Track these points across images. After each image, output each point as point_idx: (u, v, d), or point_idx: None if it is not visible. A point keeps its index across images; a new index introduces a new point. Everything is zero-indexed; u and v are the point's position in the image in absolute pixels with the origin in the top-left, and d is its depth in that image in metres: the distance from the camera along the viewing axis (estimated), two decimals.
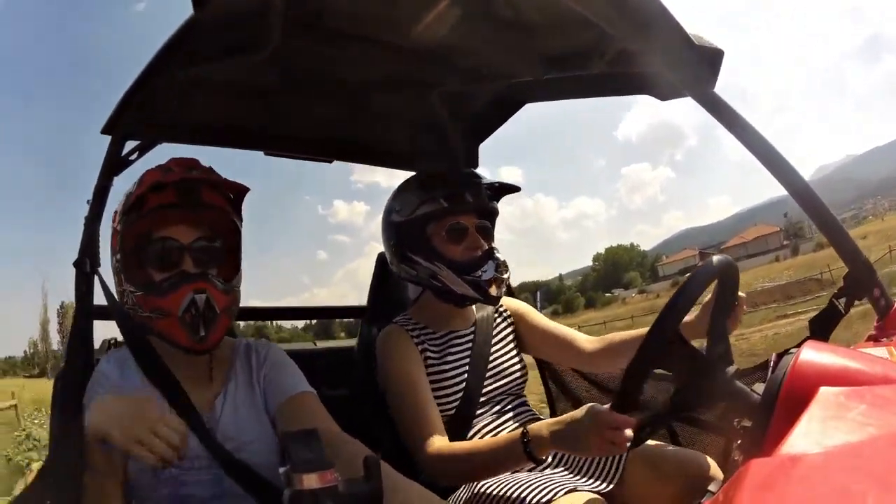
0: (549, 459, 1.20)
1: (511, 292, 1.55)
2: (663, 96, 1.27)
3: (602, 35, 1.15)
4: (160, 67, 0.99)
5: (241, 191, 1.06)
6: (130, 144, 1.18)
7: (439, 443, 1.13)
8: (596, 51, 1.21)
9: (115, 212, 1.02)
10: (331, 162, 1.62)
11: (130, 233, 0.98)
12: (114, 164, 1.16)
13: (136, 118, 1.13)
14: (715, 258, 0.89)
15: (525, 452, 0.98)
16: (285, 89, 1.39)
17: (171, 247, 0.98)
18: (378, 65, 1.36)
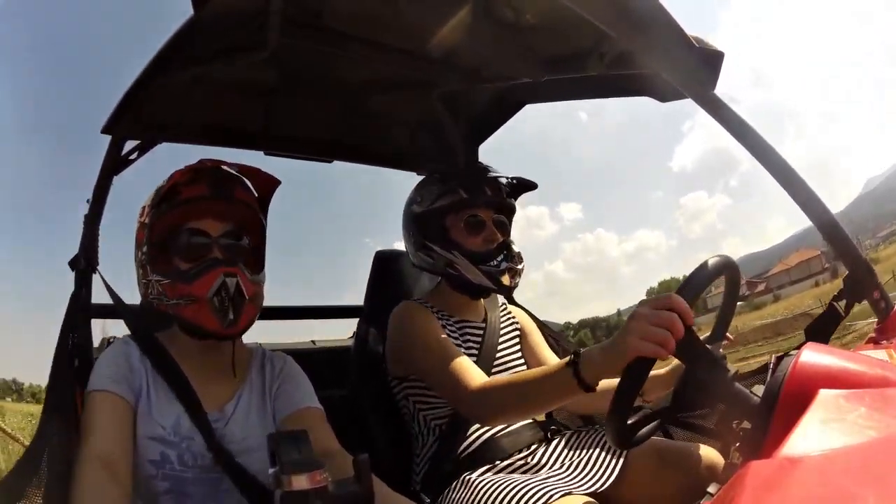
0: (549, 459, 1.20)
1: (514, 302, 1.55)
2: (663, 98, 1.27)
3: (602, 36, 1.15)
4: (160, 67, 0.99)
5: (273, 183, 1.07)
6: (131, 144, 1.18)
7: (482, 379, 1.10)
8: (596, 52, 1.21)
9: (143, 207, 1.02)
10: (331, 161, 1.62)
11: (160, 224, 0.98)
12: (114, 163, 1.16)
13: (136, 118, 1.14)
14: (715, 257, 0.89)
15: (574, 374, 0.87)
16: (285, 89, 1.39)
17: (200, 239, 0.98)
18: (378, 65, 1.36)
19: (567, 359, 0.89)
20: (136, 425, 0.93)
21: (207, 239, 0.98)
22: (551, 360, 1.41)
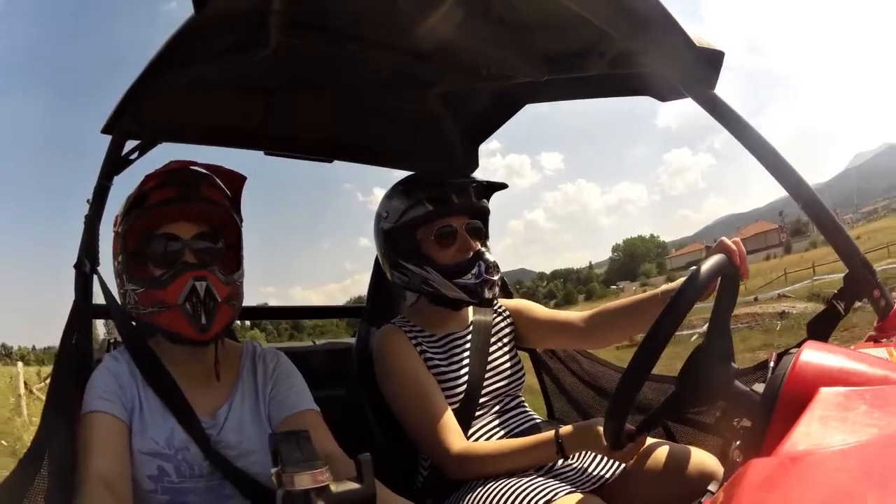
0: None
1: (507, 291, 1.55)
2: (663, 97, 1.27)
3: (602, 36, 1.15)
4: (160, 67, 0.99)
5: (239, 180, 1.05)
6: (131, 144, 1.18)
7: (460, 443, 1.13)
8: (596, 51, 1.21)
9: (116, 216, 1.02)
10: (331, 161, 1.62)
11: (132, 231, 0.98)
12: (114, 163, 1.16)
13: (136, 117, 1.13)
14: (714, 258, 0.89)
15: (558, 451, 1.07)
16: (285, 89, 1.39)
17: (171, 244, 0.97)
18: (378, 65, 1.36)
19: (552, 435, 1.08)
20: (132, 441, 0.93)
21: (179, 243, 0.97)
22: (552, 317, 1.36)
